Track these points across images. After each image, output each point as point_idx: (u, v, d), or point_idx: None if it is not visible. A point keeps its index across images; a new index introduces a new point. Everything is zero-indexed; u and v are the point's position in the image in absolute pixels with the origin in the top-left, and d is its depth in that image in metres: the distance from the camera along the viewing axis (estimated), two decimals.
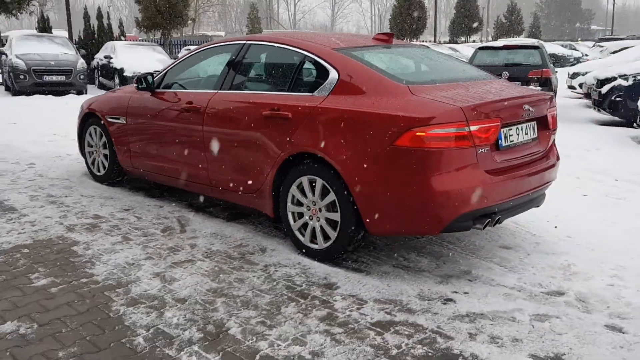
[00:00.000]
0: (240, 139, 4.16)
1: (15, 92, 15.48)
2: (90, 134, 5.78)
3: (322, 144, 3.63)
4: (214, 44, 4.88)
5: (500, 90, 3.79)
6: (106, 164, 5.62)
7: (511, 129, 3.67)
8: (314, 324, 2.96)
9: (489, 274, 3.63)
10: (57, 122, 9.64)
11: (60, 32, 24.20)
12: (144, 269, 3.65)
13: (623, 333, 2.91)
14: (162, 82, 4.99)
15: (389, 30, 34.96)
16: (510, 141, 3.67)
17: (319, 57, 3.91)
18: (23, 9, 20.35)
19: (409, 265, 3.79)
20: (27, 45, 16.31)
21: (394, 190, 3.39)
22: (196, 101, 4.50)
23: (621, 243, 4.18)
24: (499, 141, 3.56)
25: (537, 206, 4.06)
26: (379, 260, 3.85)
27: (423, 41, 35.02)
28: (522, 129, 3.77)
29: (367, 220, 3.52)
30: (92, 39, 21.65)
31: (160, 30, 24.82)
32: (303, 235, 3.88)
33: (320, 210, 3.74)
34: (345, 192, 3.55)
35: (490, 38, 52.91)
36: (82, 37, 22.12)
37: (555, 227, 4.54)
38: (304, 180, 3.79)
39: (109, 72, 17.36)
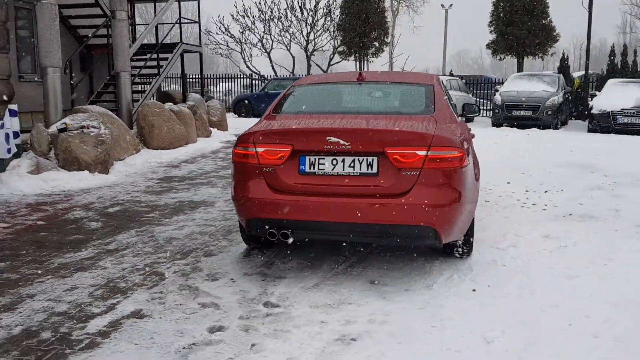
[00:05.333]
0: None
1: (493, 124, 18.04)
2: None
3: None
4: None
5: (342, 123, 3.98)
6: None
7: (323, 158, 3.90)
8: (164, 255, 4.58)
9: (286, 277, 4.05)
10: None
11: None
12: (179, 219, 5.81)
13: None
14: None
15: None
16: (320, 169, 3.90)
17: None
18: (545, 52, 22.52)
19: (286, 265, 4.52)
20: (515, 84, 18.59)
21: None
22: None
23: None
24: (301, 166, 3.94)
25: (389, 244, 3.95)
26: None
27: None
28: (342, 161, 3.86)
29: None
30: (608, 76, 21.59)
31: None
32: None
33: None
34: None
35: None
36: (604, 73, 22.33)
37: (474, 290, 3.90)
38: None
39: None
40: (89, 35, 12.03)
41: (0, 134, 7.80)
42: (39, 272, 4.31)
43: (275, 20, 23.58)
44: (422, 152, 3.77)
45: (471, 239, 4.41)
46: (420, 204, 3.77)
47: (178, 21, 13.68)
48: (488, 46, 23.61)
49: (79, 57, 13.47)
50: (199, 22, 14.61)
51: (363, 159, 3.86)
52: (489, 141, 13.34)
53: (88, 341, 3.16)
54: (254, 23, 23.92)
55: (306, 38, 23.93)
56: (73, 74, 11.69)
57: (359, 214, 3.81)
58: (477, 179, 4.32)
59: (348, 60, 25.39)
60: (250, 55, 25.40)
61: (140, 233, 5.43)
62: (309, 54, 24.15)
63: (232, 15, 24.00)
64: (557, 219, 5.83)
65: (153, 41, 13.27)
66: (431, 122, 4.05)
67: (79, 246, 5.00)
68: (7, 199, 6.97)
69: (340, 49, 24.43)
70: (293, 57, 24.80)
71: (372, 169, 3.85)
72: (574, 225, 5.54)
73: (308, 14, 23.22)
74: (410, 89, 4.68)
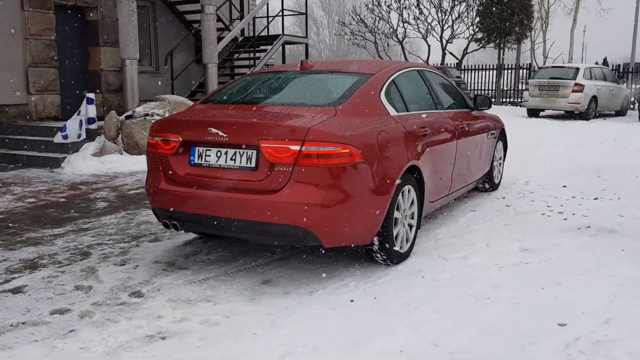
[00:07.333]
0: None
1: None
2: None
3: None
4: None
5: (227, 115, 3.87)
6: None
7: (209, 150, 3.78)
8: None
9: (188, 268, 4.03)
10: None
11: None
12: None
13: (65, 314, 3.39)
14: None
15: None
16: (206, 161, 3.79)
17: None
18: None
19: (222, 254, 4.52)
20: None
21: None
22: None
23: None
24: (191, 157, 3.87)
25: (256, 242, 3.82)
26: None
27: None
28: (225, 153, 3.71)
29: None
30: None
31: None
32: None
33: None
34: None
35: None
36: None
37: (352, 300, 3.53)
38: None
39: None
40: (195, 28, 12.87)
41: (75, 120, 8.75)
42: (1, 243, 4.79)
43: (413, 7, 23.02)
44: (296, 147, 3.48)
45: (387, 245, 3.97)
46: (292, 202, 3.49)
47: (280, 13, 14.03)
48: None
49: (194, 49, 14.50)
50: (305, 14, 14.82)
51: (243, 152, 3.68)
52: (605, 139, 11.73)
53: None
54: (388, 13, 23.62)
55: (441, 25, 23.00)
56: (178, 65, 12.64)
57: (238, 210, 3.64)
58: (381, 180, 3.80)
59: (485, 48, 23.86)
60: (388, 44, 25.12)
61: (126, 215, 5.75)
62: (444, 42, 23.19)
63: (367, 5, 23.94)
64: (565, 230, 4.99)
65: (263, 34, 13.79)
66: (326, 114, 3.70)
67: (63, 223, 5.45)
68: (62, 177, 7.83)
69: (479, 34, 23.02)
70: (429, 46, 24.02)
71: (251, 163, 3.65)
72: (575, 240, 4.70)
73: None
74: (340, 79, 4.29)
